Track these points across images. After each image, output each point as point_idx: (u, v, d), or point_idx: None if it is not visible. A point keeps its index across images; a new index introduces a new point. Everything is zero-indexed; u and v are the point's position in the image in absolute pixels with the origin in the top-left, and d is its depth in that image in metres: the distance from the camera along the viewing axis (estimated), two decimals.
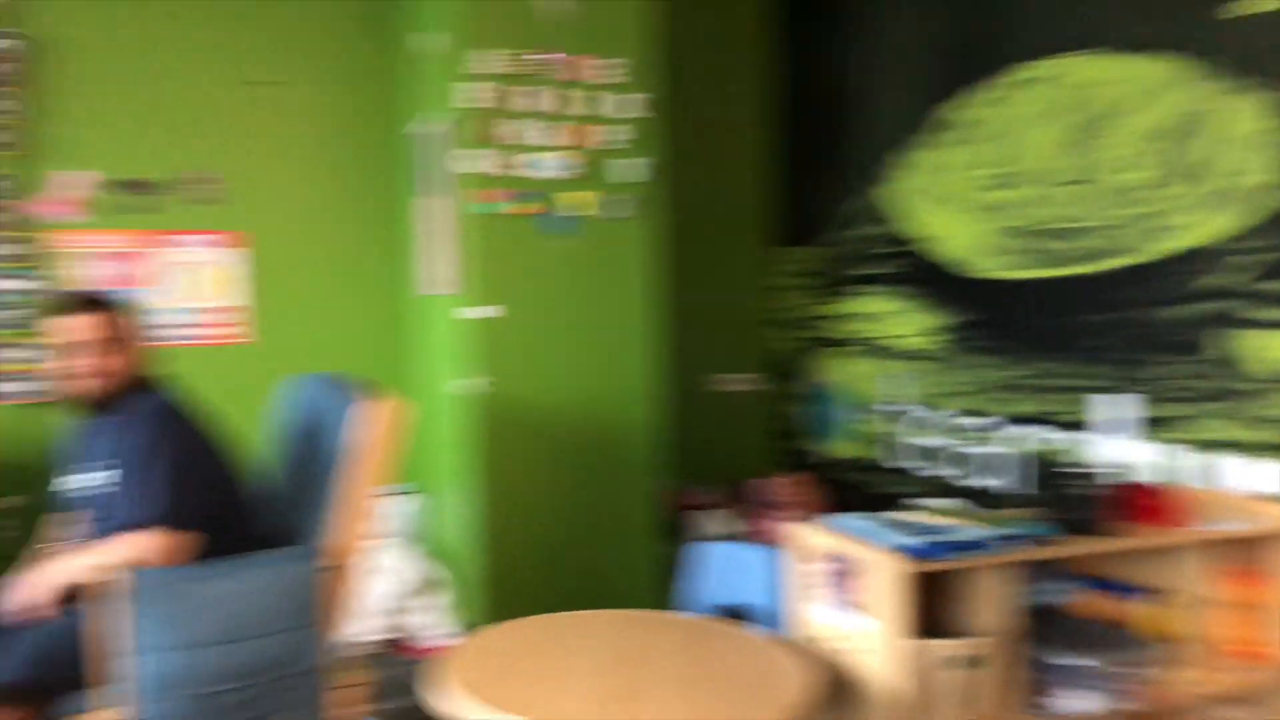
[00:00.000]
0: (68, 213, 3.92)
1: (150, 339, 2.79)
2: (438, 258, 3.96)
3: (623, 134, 3.85)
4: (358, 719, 2.54)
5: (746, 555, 2.94)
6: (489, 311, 3.72)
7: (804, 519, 2.63)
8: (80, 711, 2.40)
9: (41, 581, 2.53)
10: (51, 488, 2.81)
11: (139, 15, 4.00)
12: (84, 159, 3.94)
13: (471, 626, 3.84)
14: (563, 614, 2.58)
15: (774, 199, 4.74)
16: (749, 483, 4.43)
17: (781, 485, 4.23)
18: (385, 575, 3.89)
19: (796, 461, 4.58)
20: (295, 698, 2.51)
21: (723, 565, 2.96)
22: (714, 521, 4.23)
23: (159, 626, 2.38)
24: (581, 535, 3.85)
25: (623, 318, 3.90)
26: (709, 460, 4.59)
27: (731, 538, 3.75)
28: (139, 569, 2.40)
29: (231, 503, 2.72)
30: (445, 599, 3.90)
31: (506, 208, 3.72)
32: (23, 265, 3.84)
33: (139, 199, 4.02)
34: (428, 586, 3.92)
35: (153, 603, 2.38)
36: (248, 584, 2.47)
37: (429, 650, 3.80)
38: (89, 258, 3.95)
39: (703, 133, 4.62)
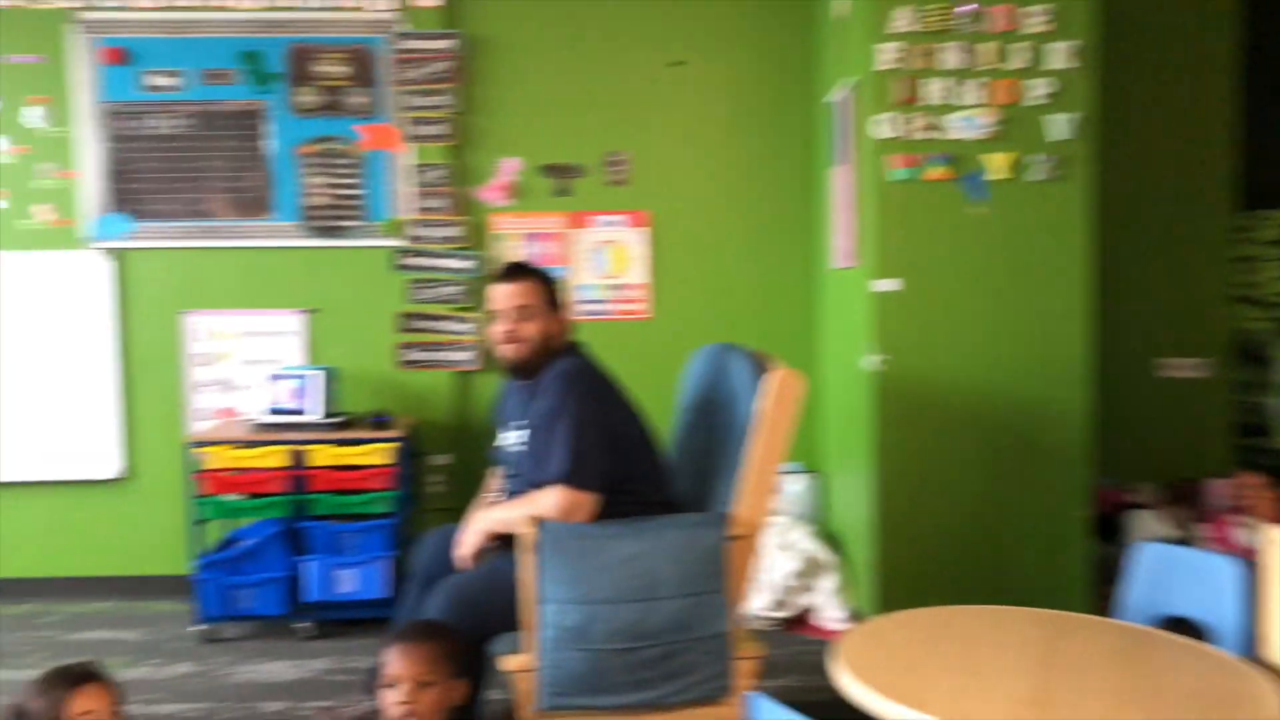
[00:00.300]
0: (498, 197, 4.25)
1: (569, 309, 2.90)
2: (847, 228, 3.80)
3: (1047, 87, 3.45)
4: (748, 692, 2.46)
5: (1199, 562, 2.50)
6: (892, 284, 3.50)
7: (1276, 524, 2.16)
8: (505, 653, 2.53)
9: (467, 532, 2.72)
10: (488, 446, 3.01)
11: (565, 10, 4.24)
12: (512, 147, 4.25)
13: (859, 611, 3.66)
14: (972, 607, 2.32)
15: (1244, 153, 4.05)
16: (1200, 481, 3.82)
17: (1243, 486, 3.60)
18: (776, 552, 3.80)
19: (1264, 460, 3.88)
20: (699, 663, 2.48)
21: (1166, 571, 2.53)
22: (1154, 522, 3.69)
23: (557, 580, 2.44)
24: (988, 526, 3.51)
25: (1044, 291, 3.49)
26: (1149, 454, 4.04)
27: (1177, 541, 3.24)
28: (542, 524, 2.49)
29: (640, 467, 2.74)
30: (833, 582, 3.74)
31: (919, 173, 3.47)
32: (462, 246, 4.21)
33: (559, 182, 4.26)
34: (816, 568, 3.78)
35: (552, 557, 2.45)
36: (655, 546, 2.48)
37: (819, 631, 3.66)
38: (516, 238, 4.25)
39: (1144, 79, 4.07)
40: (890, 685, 1.86)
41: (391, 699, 1.99)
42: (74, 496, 4.19)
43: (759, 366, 2.73)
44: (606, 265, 4.30)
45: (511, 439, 2.82)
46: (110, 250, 4.14)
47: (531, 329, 2.73)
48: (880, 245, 3.50)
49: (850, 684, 1.91)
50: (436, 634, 2.07)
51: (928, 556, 3.51)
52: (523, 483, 2.69)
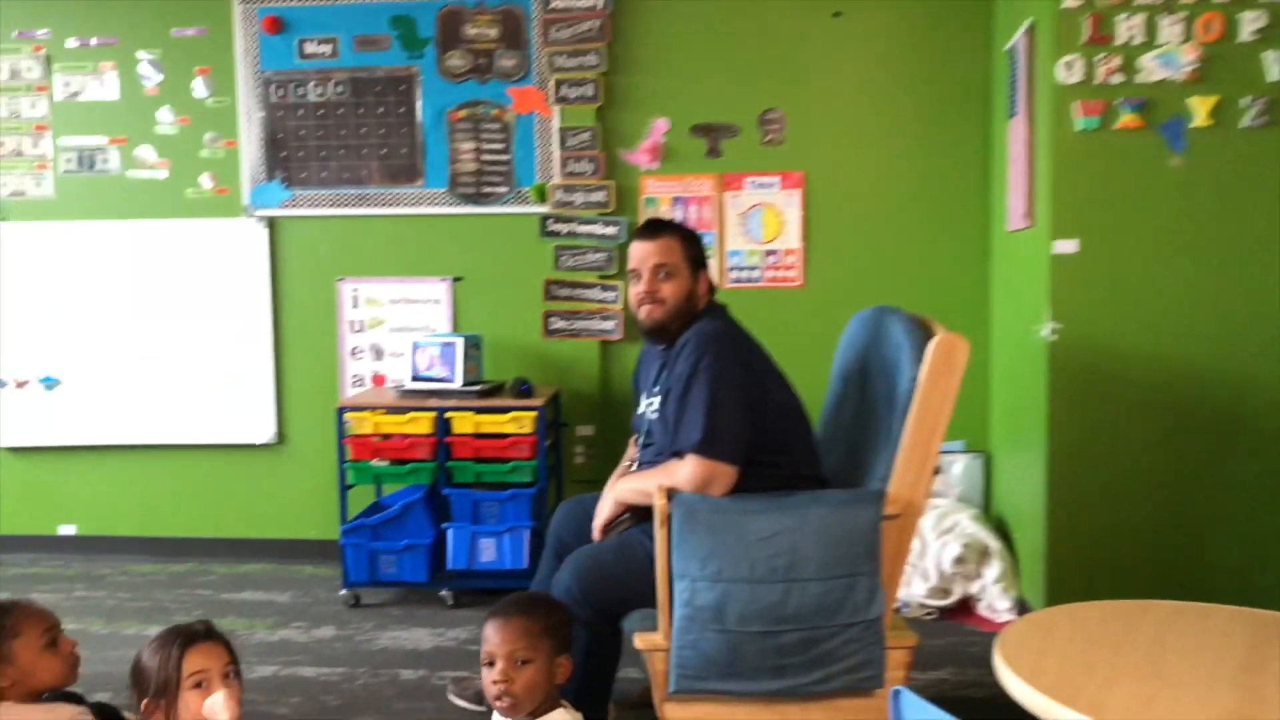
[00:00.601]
0: (646, 159, 4.10)
1: (710, 270, 2.73)
2: (1021, 186, 3.48)
3: (1260, 20, 3.03)
4: (895, 687, 2.24)
5: None
6: (1070, 245, 3.16)
7: None
8: (638, 630, 2.40)
9: (601, 503, 2.59)
10: (631, 416, 2.88)
11: None
12: (661, 106, 4.08)
13: (1025, 602, 3.37)
14: (1162, 603, 2.04)
15: None
16: None
17: None
18: (936, 537, 3.53)
19: None
20: (846, 651, 2.28)
21: None
22: None
23: (689, 556, 2.28)
24: (1178, 514, 3.14)
25: (1254, 252, 3.08)
26: None
27: None
28: (674, 496, 2.33)
29: (784, 438, 2.54)
30: (998, 569, 3.44)
31: (1107, 121, 3.11)
32: (608, 211, 4.08)
33: (710, 143, 4.08)
34: (980, 554, 3.49)
35: (684, 532, 2.29)
36: (799, 523, 2.29)
37: (981, 622, 3.38)
38: (664, 202, 4.09)
39: None
40: (1060, 687, 1.62)
41: (488, 678, 1.87)
42: (232, 460, 4.30)
43: (920, 331, 2.49)
44: (758, 230, 4.09)
45: (651, 406, 2.68)
46: (266, 218, 4.22)
47: (671, 289, 2.56)
48: (1058, 203, 3.16)
49: (1013, 682, 1.68)
50: (535, 608, 1.93)
51: (1105, 546, 3.18)
52: (658, 452, 2.54)
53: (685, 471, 2.37)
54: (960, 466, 3.92)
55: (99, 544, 4.34)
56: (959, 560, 3.47)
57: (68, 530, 4.37)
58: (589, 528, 2.61)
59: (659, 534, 2.32)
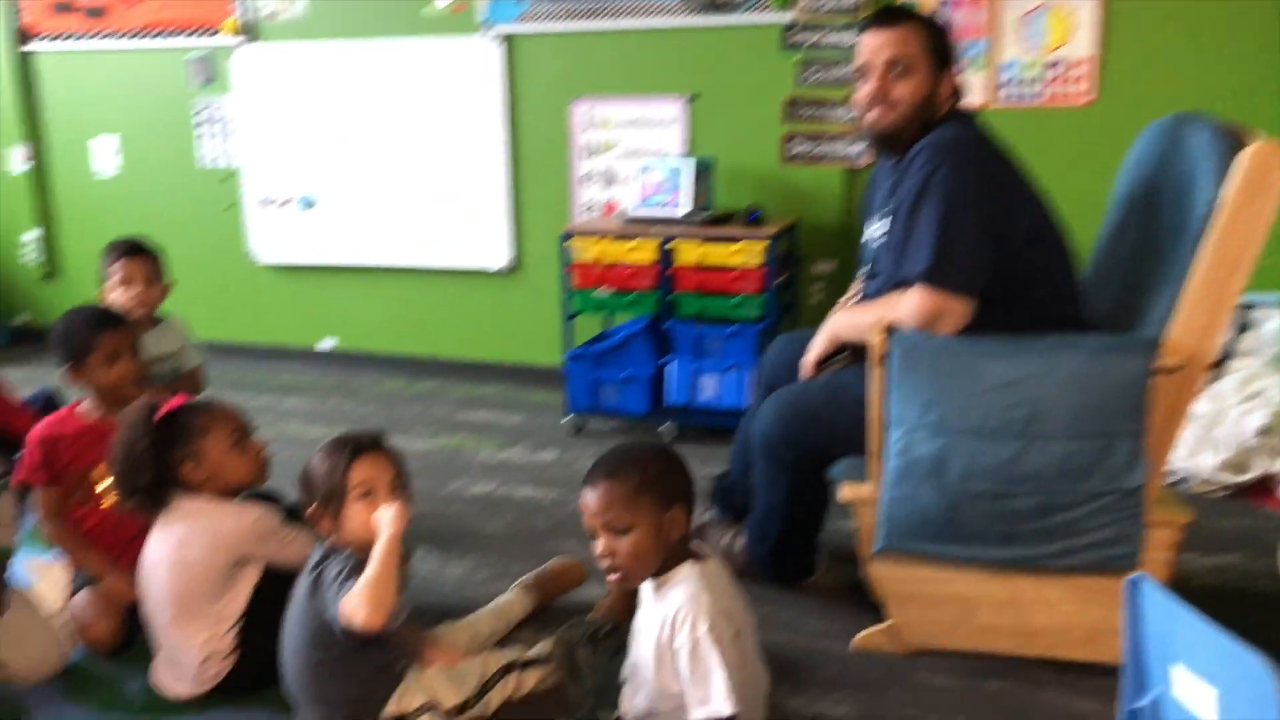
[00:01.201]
0: None
1: (967, 78, 2.29)
2: None
3: None
4: (1160, 569, 1.87)
5: None
6: None
7: None
8: (847, 479, 2.15)
9: (813, 341, 2.31)
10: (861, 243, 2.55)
11: None
12: None
13: None
14: None
15: None
16: None
17: None
18: (1237, 402, 2.97)
19: None
20: (1092, 524, 1.95)
21: None
22: None
23: (908, 401, 1.97)
24: None
25: None
26: None
27: None
28: (894, 333, 2.00)
29: (1036, 270, 2.13)
30: None
31: None
32: (862, 17, 3.60)
33: None
34: None
35: (903, 373, 1.97)
36: (1045, 370, 1.93)
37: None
38: (924, 6, 3.55)
39: None
40: None
41: (596, 553, 1.69)
42: (473, 285, 4.29)
43: (1229, 141, 1.97)
44: (1041, 36, 3.48)
45: (875, 231, 2.33)
46: (502, 35, 4.05)
47: (905, 89, 2.16)
48: None
49: None
50: (624, 467, 1.69)
51: None
52: (884, 283, 2.21)
53: (909, 304, 2.04)
54: (1276, 323, 3.27)
55: (356, 359, 4.53)
56: (1263, 432, 2.92)
57: (328, 344, 4.59)
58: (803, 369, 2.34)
59: (873, 375, 2.02)
